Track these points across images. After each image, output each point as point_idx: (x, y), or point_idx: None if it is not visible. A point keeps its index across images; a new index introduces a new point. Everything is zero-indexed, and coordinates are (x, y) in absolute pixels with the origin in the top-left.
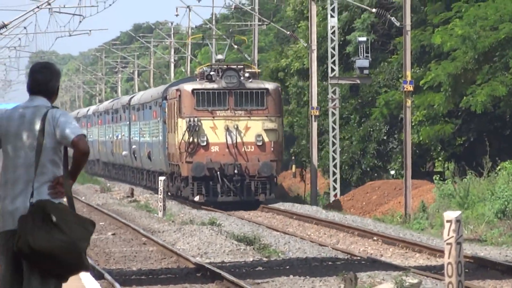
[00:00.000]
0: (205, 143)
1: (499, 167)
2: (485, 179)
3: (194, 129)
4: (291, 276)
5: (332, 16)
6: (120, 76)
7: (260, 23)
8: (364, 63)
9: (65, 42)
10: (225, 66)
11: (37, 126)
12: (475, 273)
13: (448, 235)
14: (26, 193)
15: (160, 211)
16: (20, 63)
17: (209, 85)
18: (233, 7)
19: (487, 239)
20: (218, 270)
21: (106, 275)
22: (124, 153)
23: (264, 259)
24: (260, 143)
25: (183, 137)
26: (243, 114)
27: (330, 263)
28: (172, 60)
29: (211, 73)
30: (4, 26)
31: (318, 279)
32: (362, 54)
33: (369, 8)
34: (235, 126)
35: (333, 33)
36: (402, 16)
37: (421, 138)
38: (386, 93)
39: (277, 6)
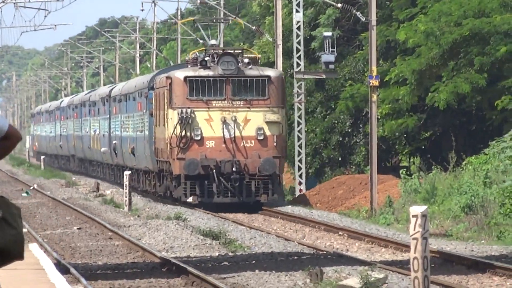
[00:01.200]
0: (199, 138)
1: (464, 162)
2: (450, 173)
3: (186, 122)
4: (257, 271)
5: (297, 11)
6: (85, 71)
7: (225, 17)
8: (330, 57)
9: (31, 37)
10: (221, 51)
11: None
12: (441, 268)
13: (414, 230)
14: None
15: (126, 206)
16: None
17: (203, 72)
18: (198, 1)
19: (453, 234)
20: (183, 265)
21: (72, 270)
22: (103, 149)
23: (230, 253)
24: (261, 137)
25: (174, 131)
26: (242, 104)
27: (295, 257)
28: (138, 55)
29: (206, 58)
30: None
31: (284, 274)
32: (327, 49)
33: (334, 4)
34: (233, 118)
35: (298, 28)
36: (368, 11)
37: (384, 132)
38: (351, 86)
39: (243, 1)
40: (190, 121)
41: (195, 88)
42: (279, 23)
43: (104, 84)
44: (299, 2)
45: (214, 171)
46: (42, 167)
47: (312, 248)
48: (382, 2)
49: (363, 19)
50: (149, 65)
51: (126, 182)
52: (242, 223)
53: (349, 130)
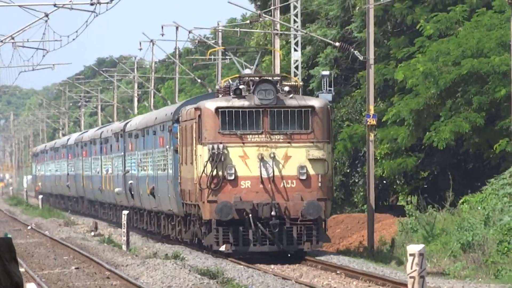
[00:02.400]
0: (233, 177)
1: (461, 200)
2: (447, 212)
3: (218, 159)
4: None
5: (295, 50)
6: (83, 110)
7: (223, 57)
8: (327, 97)
9: (29, 77)
10: (258, 78)
11: None
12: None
13: (411, 268)
14: None
15: (124, 245)
16: None
17: (237, 102)
18: (197, 41)
19: (450, 273)
20: None
21: None
22: (116, 189)
23: None
24: (304, 177)
25: (204, 170)
26: (282, 139)
27: None
28: (136, 94)
29: (240, 86)
30: None
31: None
32: (325, 88)
33: (332, 42)
34: (272, 155)
35: (296, 67)
36: (366, 50)
37: (383, 172)
38: (349, 127)
39: (241, 40)
40: (222, 159)
41: (228, 120)
42: (277, 62)
43: (102, 124)
44: (297, 41)
45: (250, 215)
46: (40, 206)
47: (309, 287)
48: (380, 40)
49: (361, 58)
50: (147, 105)
51: (124, 221)
52: (239, 262)
53: (348, 171)
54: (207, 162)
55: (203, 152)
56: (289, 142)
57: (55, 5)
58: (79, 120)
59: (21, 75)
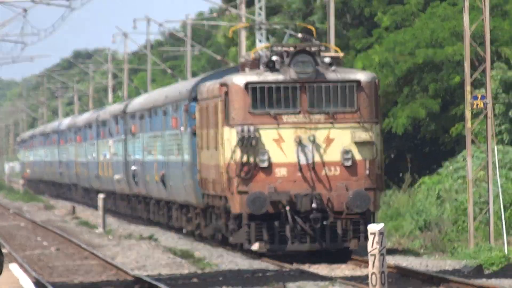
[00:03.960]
0: (266, 164)
1: (418, 182)
2: (405, 193)
3: (249, 143)
4: (224, 287)
5: (260, 41)
6: (60, 100)
7: (192, 48)
8: None
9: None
10: (293, 49)
11: None
12: (398, 282)
13: (372, 246)
14: None
15: (100, 227)
16: None
17: (271, 77)
18: (167, 34)
19: (409, 250)
20: (155, 282)
21: None
22: (116, 176)
23: (199, 271)
24: (349, 163)
25: (232, 156)
26: (323, 119)
27: (260, 274)
28: (110, 85)
29: (274, 58)
30: None
31: None
32: None
33: (294, 33)
34: (311, 138)
35: None
36: (326, 41)
37: None
38: None
39: (208, 33)
40: (253, 143)
41: (260, 98)
42: (243, 53)
43: (78, 113)
44: (261, 33)
45: (288, 208)
46: (21, 191)
47: (276, 265)
48: (340, 32)
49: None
50: (120, 94)
51: (100, 204)
52: (210, 243)
53: None
54: (235, 147)
55: (231, 135)
56: (331, 123)
57: (33, 0)
58: (57, 109)
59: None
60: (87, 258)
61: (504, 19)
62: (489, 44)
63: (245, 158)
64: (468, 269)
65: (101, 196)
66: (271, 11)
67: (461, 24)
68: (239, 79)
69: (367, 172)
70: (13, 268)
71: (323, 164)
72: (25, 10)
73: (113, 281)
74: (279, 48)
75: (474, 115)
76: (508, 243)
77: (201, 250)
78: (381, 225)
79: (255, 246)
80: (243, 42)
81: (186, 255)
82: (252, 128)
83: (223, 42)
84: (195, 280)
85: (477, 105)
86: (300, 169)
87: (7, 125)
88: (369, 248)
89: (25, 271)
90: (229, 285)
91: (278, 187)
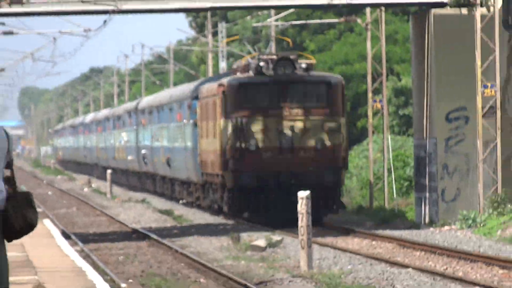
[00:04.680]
0: (254, 148)
1: None
2: None
3: (241, 132)
4: (196, 236)
5: (222, 61)
6: (80, 103)
7: (174, 66)
8: None
9: (43, 80)
10: (276, 57)
11: None
12: (319, 233)
13: (301, 207)
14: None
15: (108, 194)
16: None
17: (258, 78)
18: (156, 55)
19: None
20: (147, 232)
21: (72, 237)
22: (129, 157)
23: (178, 225)
24: (321, 147)
25: (227, 142)
26: (300, 112)
27: (221, 227)
28: (115, 92)
29: (261, 64)
30: (2, 70)
31: (214, 238)
32: None
33: (246, 55)
34: (291, 128)
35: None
36: None
37: None
38: None
39: (185, 55)
40: (245, 131)
41: (251, 96)
42: (210, 69)
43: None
44: (223, 54)
45: (271, 184)
46: (52, 168)
47: (234, 220)
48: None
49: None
50: (123, 99)
51: (108, 177)
52: (187, 205)
53: None
54: (231, 134)
55: (227, 126)
56: (307, 116)
57: (60, 32)
58: (77, 109)
59: (38, 80)
60: (98, 215)
61: (395, 45)
62: (385, 63)
63: (238, 144)
64: (370, 224)
65: (108, 171)
66: (230, 29)
67: (365, 49)
68: (234, 81)
69: (335, 154)
70: (46, 222)
71: (300, 148)
72: (54, 39)
73: (117, 231)
74: (265, 56)
75: (374, 114)
76: (398, 205)
77: (179, 210)
78: (308, 192)
79: (245, 214)
80: (210, 62)
81: (169, 213)
82: (244, 119)
83: (196, 61)
84: (175, 231)
85: (376, 106)
86: (282, 152)
87: (42, 121)
88: (299, 208)
89: (55, 224)
90: (199, 234)
91: (264, 167)
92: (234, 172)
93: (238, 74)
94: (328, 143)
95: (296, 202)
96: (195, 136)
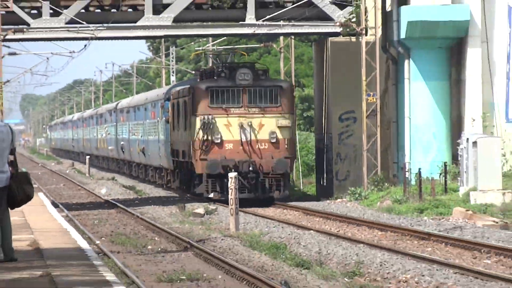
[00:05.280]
0: (219, 141)
1: None
2: None
3: (208, 127)
4: (152, 205)
5: (172, 75)
6: (66, 106)
7: (136, 79)
8: None
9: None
10: (237, 64)
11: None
12: (243, 204)
13: (231, 184)
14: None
15: (87, 174)
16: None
17: (223, 83)
18: (123, 70)
19: None
20: (115, 203)
21: (60, 206)
22: (110, 147)
23: (139, 197)
24: (274, 140)
25: (197, 135)
26: (257, 111)
27: (172, 199)
28: (93, 98)
29: (225, 70)
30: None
31: (165, 207)
32: None
33: (192, 72)
34: (249, 124)
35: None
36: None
37: None
38: None
39: (145, 70)
40: (211, 126)
41: (216, 97)
42: (163, 82)
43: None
44: (173, 71)
45: (233, 170)
46: (45, 154)
47: (179, 193)
48: None
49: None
50: (98, 103)
51: (87, 161)
52: (144, 182)
53: None
54: (199, 129)
55: (196, 121)
56: (262, 114)
57: (52, 53)
58: (64, 111)
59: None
60: (80, 190)
61: (301, 64)
62: (293, 77)
63: (205, 137)
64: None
65: (87, 157)
66: (178, 59)
67: (279, 67)
68: (202, 85)
69: (286, 146)
70: (40, 195)
71: (257, 141)
72: (47, 58)
73: (93, 202)
74: (228, 64)
75: None
76: (303, 183)
77: (140, 186)
78: (235, 173)
79: (211, 195)
80: (163, 76)
81: (132, 188)
82: (210, 117)
83: (153, 75)
84: (137, 202)
85: None
86: (242, 144)
87: (38, 119)
88: (229, 185)
89: (46, 196)
90: (154, 204)
91: (227, 156)
92: (202, 160)
93: (204, 79)
94: (280, 136)
95: (252, 186)
96: (168, 130)
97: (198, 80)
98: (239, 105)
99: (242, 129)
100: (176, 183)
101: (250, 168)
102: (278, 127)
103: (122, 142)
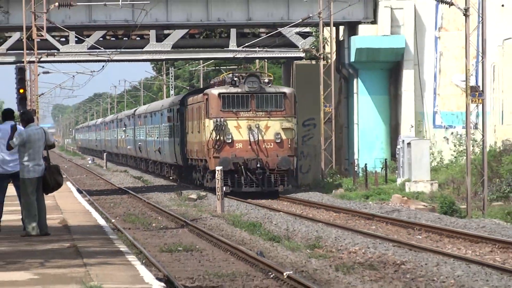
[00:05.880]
0: (230, 141)
1: None
2: None
3: (220, 128)
4: (156, 192)
5: (172, 90)
6: (88, 114)
7: (143, 93)
8: None
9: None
10: (246, 73)
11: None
12: (230, 195)
13: (217, 176)
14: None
15: (105, 167)
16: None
17: (233, 90)
18: (133, 86)
19: None
20: (127, 190)
21: (83, 192)
22: (129, 147)
23: (146, 185)
24: (278, 141)
25: (210, 136)
26: (264, 115)
27: (171, 187)
28: (109, 108)
29: (235, 78)
30: (42, 94)
31: (166, 193)
32: None
33: (187, 88)
34: (257, 126)
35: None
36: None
37: None
38: None
39: (150, 86)
40: (223, 128)
41: (227, 102)
42: (164, 95)
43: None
44: (172, 87)
45: (242, 166)
46: (72, 152)
47: (178, 183)
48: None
49: None
50: (114, 112)
51: (105, 157)
52: (151, 174)
53: None
54: (212, 130)
55: (209, 124)
56: (268, 117)
57: (77, 72)
58: (87, 118)
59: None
60: (99, 179)
61: (273, 81)
62: None
63: (218, 137)
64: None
65: (104, 154)
66: (176, 77)
67: None
68: (215, 91)
69: (289, 145)
70: (68, 183)
71: (263, 141)
72: (73, 76)
73: (110, 189)
74: (237, 74)
75: None
76: None
77: (146, 176)
78: (221, 167)
79: (224, 189)
80: (164, 90)
81: (139, 178)
82: (222, 119)
83: (156, 90)
84: (144, 189)
85: None
86: (250, 144)
87: (65, 124)
88: (216, 176)
89: (73, 184)
90: (158, 191)
91: (237, 154)
92: (215, 158)
93: (216, 87)
94: (284, 137)
95: (260, 180)
96: (182, 132)
97: (211, 88)
98: (247, 109)
99: (250, 131)
100: (189, 178)
101: (258, 165)
102: (282, 128)
103: (139, 143)
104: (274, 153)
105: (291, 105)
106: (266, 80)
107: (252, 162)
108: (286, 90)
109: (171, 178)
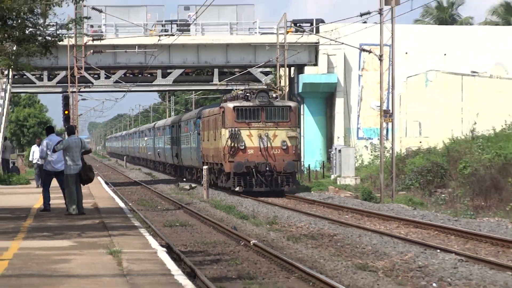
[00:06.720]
0: (243, 147)
1: None
2: None
3: (235, 137)
4: (161, 184)
5: (172, 111)
6: (113, 129)
7: (153, 113)
8: None
9: (96, 118)
10: (256, 89)
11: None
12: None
13: (204, 173)
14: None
15: (125, 166)
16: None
17: (246, 103)
18: (144, 109)
19: None
20: (140, 182)
21: (109, 184)
22: (149, 152)
23: (153, 179)
24: (284, 147)
25: (226, 143)
26: (272, 125)
27: (171, 180)
28: (128, 124)
29: (247, 94)
30: (81, 114)
31: (168, 184)
32: None
33: (182, 109)
34: (266, 134)
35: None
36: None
37: None
38: None
39: (157, 109)
40: (237, 136)
41: (241, 114)
42: (167, 115)
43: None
44: (173, 109)
45: (253, 170)
46: (102, 155)
47: (178, 178)
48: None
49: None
50: (131, 127)
51: (125, 159)
52: (156, 172)
53: None
54: (228, 138)
55: (225, 133)
56: (276, 127)
57: (105, 99)
58: (112, 131)
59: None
60: (121, 175)
61: None
62: None
63: (232, 144)
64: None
65: (125, 157)
66: (175, 102)
67: None
68: (230, 105)
69: (293, 151)
70: (99, 178)
71: (272, 147)
72: (103, 102)
73: (128, 181)
74: (249, 90)
75: None
76: None
77: (154, 173)
78: (207, 166)
79: (237, 188)
80: (167, 112)
81: (149, 174)
82: (236, 129)
83: (161, 112)
84: (152, 182)
85: None
86: (260, 150)
87: (97, 136)
88: (204, 172)
89: (102, 178)
90: (162, 183)
91: (249, 159)
92: (230, 162)
93: (229, 101)
94: (289, 144)
95: (268, 181)
96: (198, 140)
97: (227, 102)
98: (258, 120)
99: (261, 139)
100: (198, 177)
101: (267, 168)
102: (288, 137)
103: (158, 150)
104: (281, 158)
105: (295, 117)
106: (274, 95)
107: (262, 165)
108: (291, 104)
109: (188, 178)
